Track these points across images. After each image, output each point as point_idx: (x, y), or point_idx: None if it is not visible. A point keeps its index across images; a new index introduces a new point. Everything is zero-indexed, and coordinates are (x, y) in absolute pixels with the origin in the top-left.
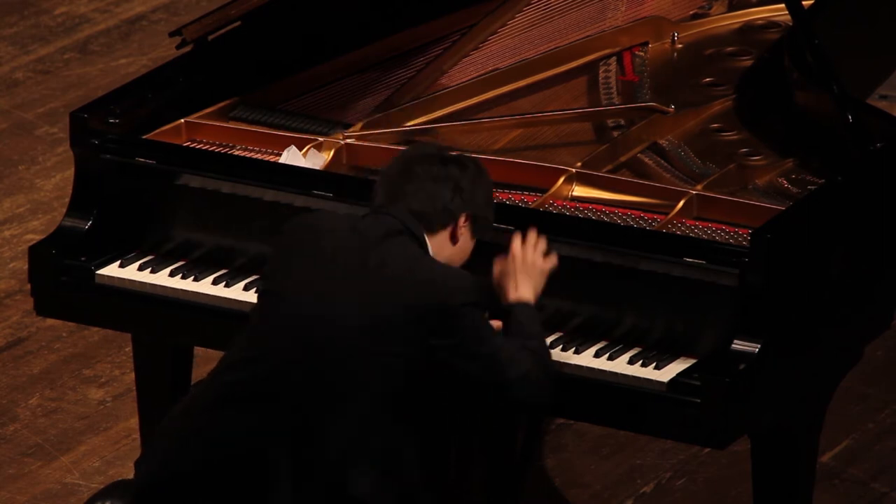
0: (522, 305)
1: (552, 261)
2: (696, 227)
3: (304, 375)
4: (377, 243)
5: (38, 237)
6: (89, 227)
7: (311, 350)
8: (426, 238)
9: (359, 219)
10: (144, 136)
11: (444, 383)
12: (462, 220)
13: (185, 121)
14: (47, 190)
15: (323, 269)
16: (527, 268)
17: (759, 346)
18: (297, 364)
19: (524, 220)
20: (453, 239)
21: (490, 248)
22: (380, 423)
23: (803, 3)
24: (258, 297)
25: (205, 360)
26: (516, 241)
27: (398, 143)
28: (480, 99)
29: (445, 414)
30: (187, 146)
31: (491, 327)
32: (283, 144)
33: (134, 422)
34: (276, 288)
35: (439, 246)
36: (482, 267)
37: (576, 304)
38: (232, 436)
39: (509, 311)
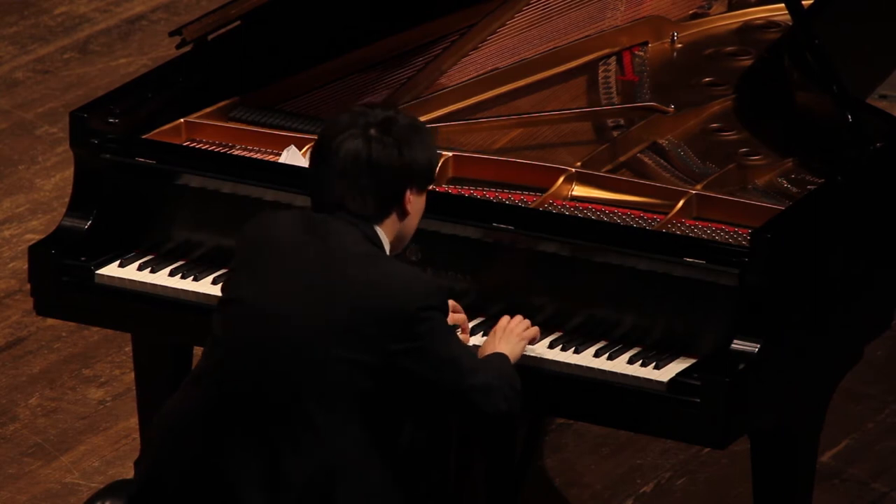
0: (497, 353)
1: (533, 331)
2: (696, 226)
3: (275, 385)
4: (333, 246)
5: (38, 237)
6: (89, 227)
7: (277, 359)
8: (379, 231)
9: (311, 219)
10: (144, 136)
11: (410, 389)
12: (406, 195)
13: (185, 121)
14: (47, 190)
15: (282, 276)
16: (507, 333)
17: (758, 346)
18: (266, 375)
19: (524, 219)
20: (404, 214)
21: (488, 248)
22: (355, 432)
23: (803, 3)
24: (219, 306)
25: None
26: (502, 319)
27: None
28: (480, 99)
29: (441, 417)
30: (187, 146)
31: (455, 334)
32: (283, 144)
33: (134, 422)
34: (237, 296)
35: (392, 227)
36: (476, 266)
37: (576, 304)
38: (206, 450)
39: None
